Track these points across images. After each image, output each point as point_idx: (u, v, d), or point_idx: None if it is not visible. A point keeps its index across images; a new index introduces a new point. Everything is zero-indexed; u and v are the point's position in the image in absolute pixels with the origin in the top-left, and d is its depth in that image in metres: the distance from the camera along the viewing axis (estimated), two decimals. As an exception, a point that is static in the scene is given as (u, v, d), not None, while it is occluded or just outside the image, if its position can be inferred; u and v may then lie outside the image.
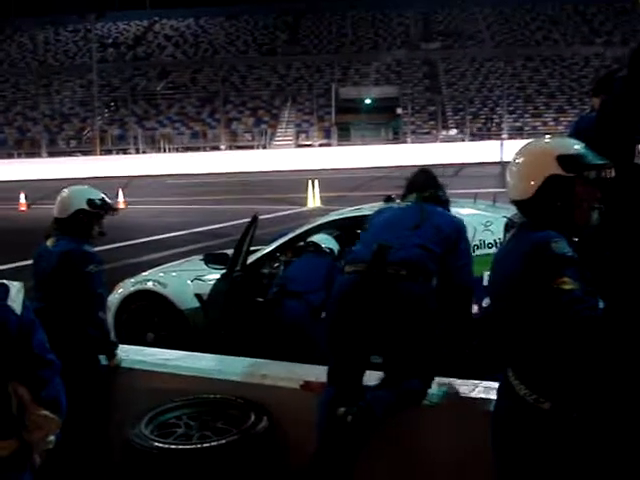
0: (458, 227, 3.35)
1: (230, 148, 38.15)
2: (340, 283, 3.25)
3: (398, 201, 3.60)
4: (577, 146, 2.20)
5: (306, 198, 18.06)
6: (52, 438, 2.18)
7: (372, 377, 3.23)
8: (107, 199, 3.93)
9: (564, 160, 2.13)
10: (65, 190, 3.91)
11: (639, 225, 2.47)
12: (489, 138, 34.54)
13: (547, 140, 2.36)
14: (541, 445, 2.09)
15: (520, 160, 2.24)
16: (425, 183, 3.54)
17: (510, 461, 2.20)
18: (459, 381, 3.29)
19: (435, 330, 3.14)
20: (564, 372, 2.04)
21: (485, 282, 3.14)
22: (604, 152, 2.21)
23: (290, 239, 5.21)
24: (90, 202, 3.80)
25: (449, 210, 3.54)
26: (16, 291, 2.12)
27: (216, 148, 38.17)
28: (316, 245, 4.74)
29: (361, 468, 3.07)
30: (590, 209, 2.18)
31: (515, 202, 2.24)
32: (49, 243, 3.80)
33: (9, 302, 2.08)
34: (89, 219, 3.81)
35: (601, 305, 1.99)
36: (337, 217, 5.32)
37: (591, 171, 2.13)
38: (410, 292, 3.06)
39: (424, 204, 3.39)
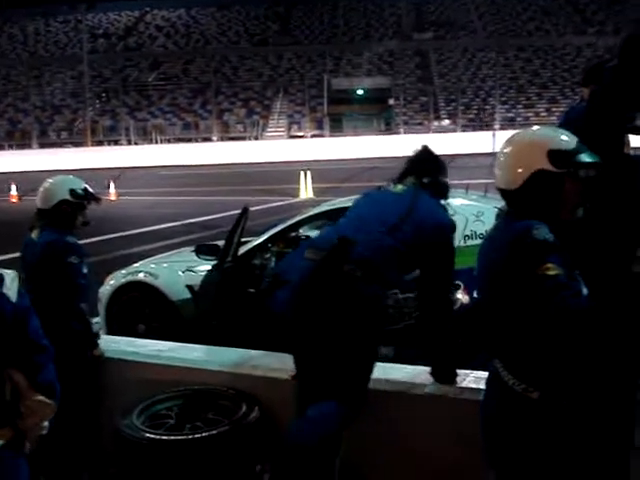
0: (445, 228, 3.15)
1: (222, 139, 37.94)
2: (299, 268, 3.02)
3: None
4: (569, 140, 2.13)
5: (298, 189, 18.02)
6: (46, 424, 2.19)
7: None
8: (90, 189, 3.91)
9: (555, 155, 2.07)
10: (47, 181, 3.89)
11: (627, 214, 2.48)
12: (481, 129, 34.51)
13: (538, 131, 2.25)
14: (530, 434, 2.10)
15: (508, 150, 2.18)
16: (426, 166, 3.31)
17: (500, 450, 2.21)
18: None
19: (372, 342, 2.98)
20: (552, 360, 2.05)
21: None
22: (593, 142, 2.18)
23: (281, 230, 5.20)
24: (72, 192, 3.80)
25: (447, 198, 3.34)
26: (11, 279, 2.13)
27: (208, 139, 38.00)
28: None
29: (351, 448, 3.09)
30: (576, 206, 2.16)
31: (501, 190, 2.20)
32: (34, 235, 3.80)
33: (4, 290, 2.09)
34: (72, 209, 3.80)
35: (585, 292, 1.99)
36: (329, 208, 5.30)
37: (581, 170, 2.08)
38: (360, 294, 2.87)
39: (419, 192, 3.16)
